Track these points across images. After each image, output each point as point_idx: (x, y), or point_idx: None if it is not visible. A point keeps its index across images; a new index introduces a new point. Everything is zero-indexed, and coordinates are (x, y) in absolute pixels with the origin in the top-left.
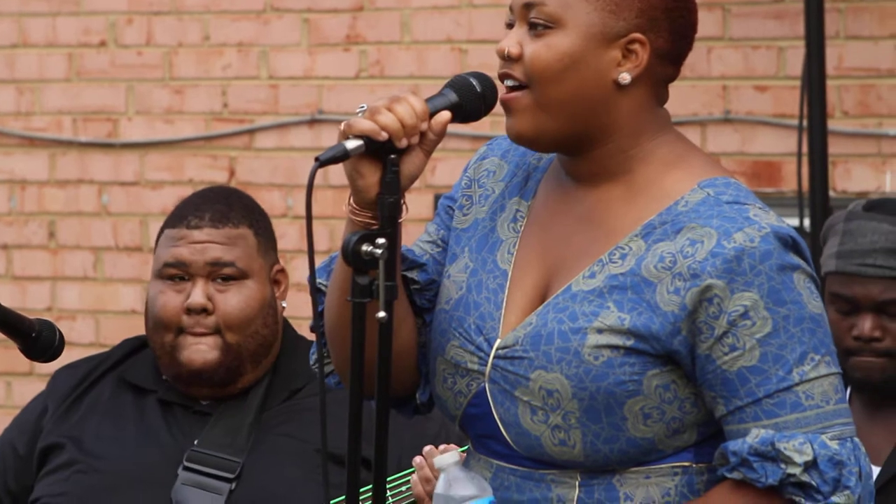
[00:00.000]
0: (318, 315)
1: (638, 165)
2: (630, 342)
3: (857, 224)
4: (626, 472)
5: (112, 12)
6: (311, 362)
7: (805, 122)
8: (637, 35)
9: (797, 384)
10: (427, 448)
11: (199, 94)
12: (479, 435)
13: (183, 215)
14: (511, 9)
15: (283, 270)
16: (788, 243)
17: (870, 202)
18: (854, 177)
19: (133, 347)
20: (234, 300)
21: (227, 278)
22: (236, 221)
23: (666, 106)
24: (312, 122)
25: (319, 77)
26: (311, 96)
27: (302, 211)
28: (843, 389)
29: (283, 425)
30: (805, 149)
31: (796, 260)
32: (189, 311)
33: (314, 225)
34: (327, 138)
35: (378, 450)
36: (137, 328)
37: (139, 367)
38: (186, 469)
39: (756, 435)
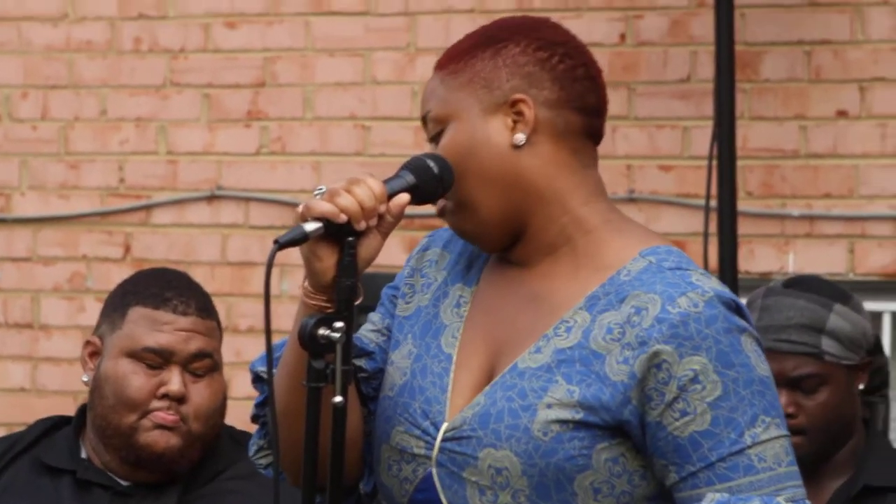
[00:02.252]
0: (259, 405)
1: (576, 234)
2: (580, 415)
3: (775, 300)
4: None
5: (6, 85)
6: (252, 454)
7: (712, 202)
8: (516, 96)
9: (749, 447)
10: None
11: (95, 168)
12: None
13: (166, 298)
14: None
15: None
16: (732, 307)
17: (790, 279)
18: (758, 257)
19: (47, 427)
20: (206, 392)
21: (202, 370)
22: (213, 313)
23: None
24: (211, 198)
25: (219, 153)
26: (210, 172)
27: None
28: (792, 452)
29: None
30: (712, 228)
31: (742, 322)
32: (164, 396)
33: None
34: (226, 214)
35: None
36: (26, 406)
37: (55, 448)
38: None
39: (712, 499)
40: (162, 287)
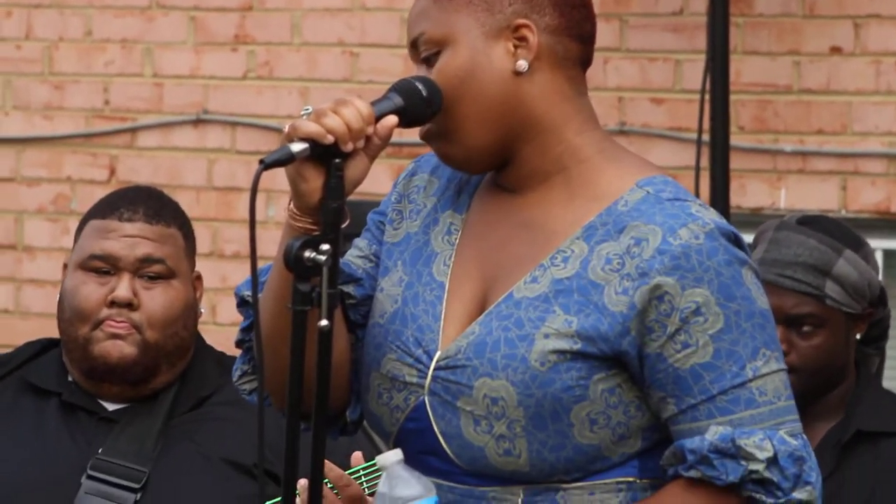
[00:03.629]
0: (244, 329)
1: (570, 163)
2: (578, 346)
3: (786, 234)
4: (570, 488)
5: None
6: (235, 379)
7: (704, 136)
8: (519, 20)
9: (751, 380)
10: (356, 454)
11: (79, 90)
12: (417, 451)
13: (115, 207)
14: (410, 56)
15: (199, 277)
16: (732, 239)
17: (805, 217)
18: (749, 192)
19: (36, 350)
20: (160, 298)
21: (155, 276)
22: (168, 220)
23: None
24: (197, 121)
25: (205, 76)
26: (196, 96)
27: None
28: (790, 386)
29: (191, 434)
30: (704, 162)
31: (742, 255)
32: (112, 303)
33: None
34: (212, 138)
35: (315, 465)
36: (9, 328)
37: (42, 369)
38: (90, 478)
39: (715, 432)
40: (116, 198)
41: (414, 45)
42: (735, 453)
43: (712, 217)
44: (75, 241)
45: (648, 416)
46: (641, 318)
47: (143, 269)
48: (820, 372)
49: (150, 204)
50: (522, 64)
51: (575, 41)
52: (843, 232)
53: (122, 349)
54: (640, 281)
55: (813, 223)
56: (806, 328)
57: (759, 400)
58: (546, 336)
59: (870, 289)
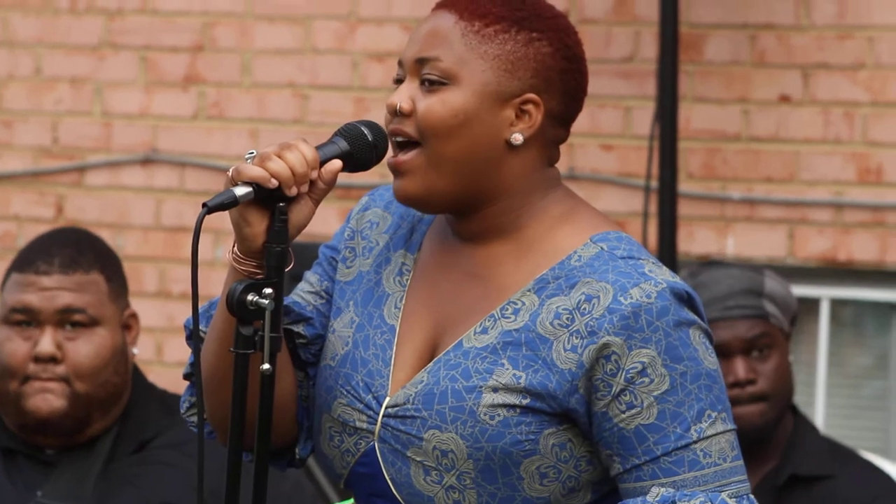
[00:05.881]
0: (192, 364)
1: (527, 222)
2: (526, 401)
3: (708, 275)
4: None
5: None
6: (183, 411)
7: (653, 183)
8: (531, 95)
9: (695, 442)
10: None
11: (28, 128)
12: (368, 494)
13: (31, 259)
14: (400, 63)
15: (134, 315)
16: (684, 299)
17: (709, 262)
18: (697, 239)
19: None
20: (85, 349)
21: (77, 325)
22: (87, 267)
23: None
24: (146, 161)
25: (155, 116)
26: (145, 135)
27: (131, 251)
28: (738, 446)
29: (132, 478)
30: (652, 209)
31: (692, 316)
32: (37, 359)
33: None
34: (161, 178)
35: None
36: None
37: None
38: None
39: (657, 494)
40: (33, 249)
41: (419, 61)
42: None
43: (665, 277)
44: (1, 294)
45: (600, 470)
46: (589, 376)
47: (65, 319)
48: (784, 395)
49: (66, 252)
50: (518, 138)
51: (564, 128)
52: (747, 263)
53: (52, 403)
54: (589, 340)
55: (720, 263)
56: (762, 351)
57: (703, 461)
58: (494, 390)
59: (793, 302)
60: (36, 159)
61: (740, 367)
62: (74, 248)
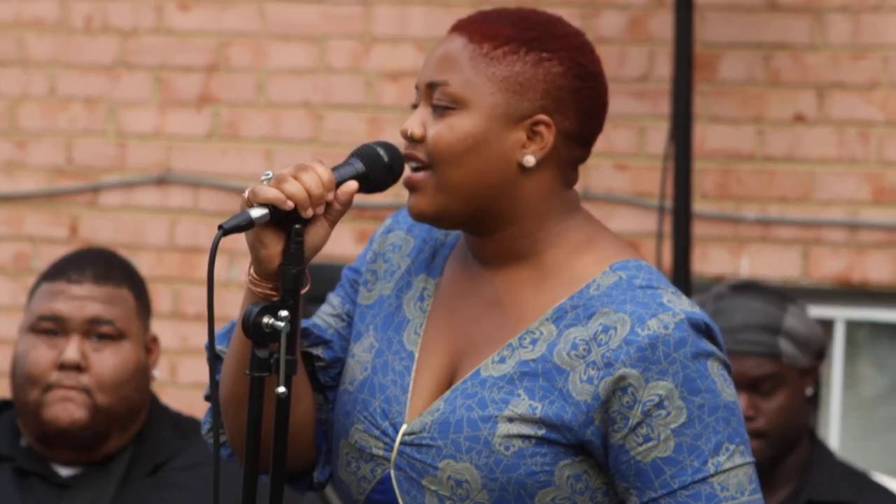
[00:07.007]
0: (215, 385)
1: (546, 248)
2: (542, 432)
3: (728, 303)
4: None
5: None
6: (204, 432)
7: (667, 203)
8: (542, 116)
9: (712, 475)
10: None
11: (42, 148)
12: None
13: (63, 269)
14: (417, 88)
15: (155, 339)
16: (702, 329)
17: (736, 284)
18: (711, 260)
19: None
20: (110, 361)
21: (104, 336)
22: (118, 281)
23: None
24: (160, 181)
25: (169, 136)
26: (159, 155)
27: (146, 272)
28: (756, 479)
29: (148, 501)
30: (666, 229)
31: (710, 347)
32: (62, 367)
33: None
34: (175, 198)
35: None
36: None
37: None
38: None
39: None
40: (65, 261)
41: (430, 86)
42: None
43: (683, 307)
44: (28, 305)
45: (616, 503)
46: (605, 408)
47: (92, 329)
48: (786, 433)
49: (99, 265)
50: (531, 160)
51: (582, 148)
52: (777, 292)
53: (73, 413)
54: (606, 371)
55: (746, 288)
56: (767, 388)
57: (720, 495)
58: (510, 420)
59: (816, 339)
60: (50, 179)
61: (741, 403)
62: (106, 263)
